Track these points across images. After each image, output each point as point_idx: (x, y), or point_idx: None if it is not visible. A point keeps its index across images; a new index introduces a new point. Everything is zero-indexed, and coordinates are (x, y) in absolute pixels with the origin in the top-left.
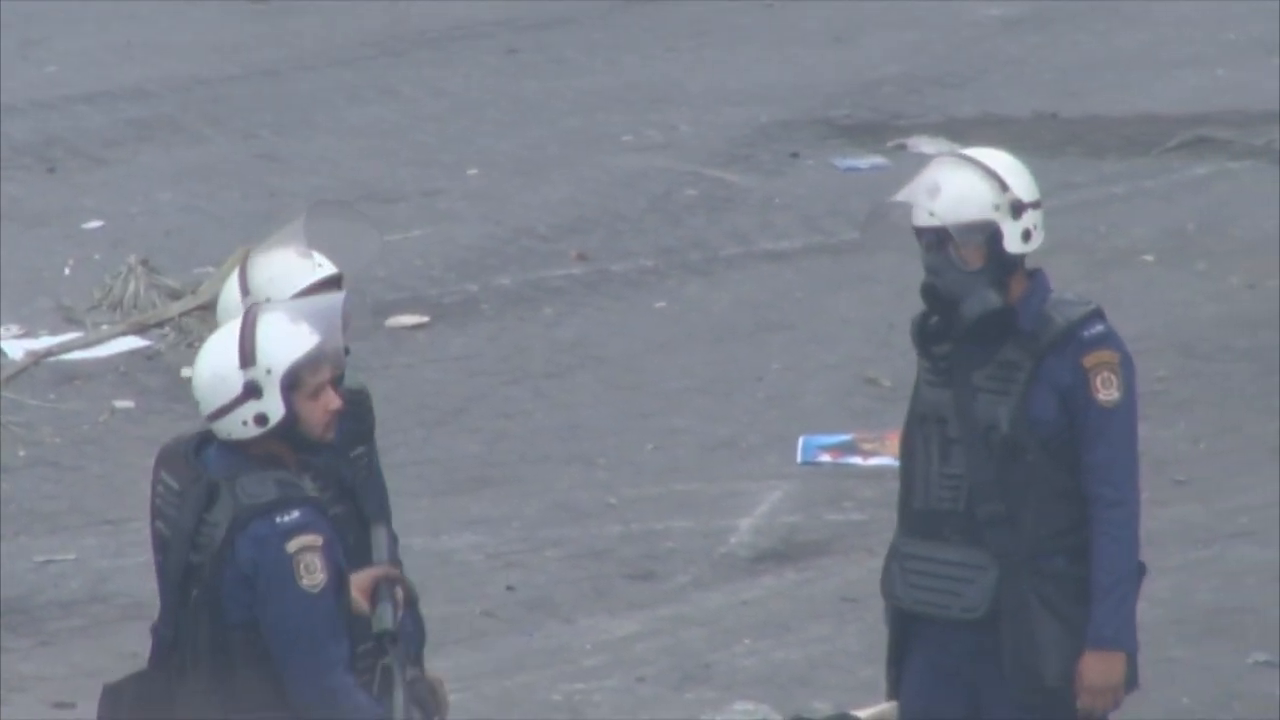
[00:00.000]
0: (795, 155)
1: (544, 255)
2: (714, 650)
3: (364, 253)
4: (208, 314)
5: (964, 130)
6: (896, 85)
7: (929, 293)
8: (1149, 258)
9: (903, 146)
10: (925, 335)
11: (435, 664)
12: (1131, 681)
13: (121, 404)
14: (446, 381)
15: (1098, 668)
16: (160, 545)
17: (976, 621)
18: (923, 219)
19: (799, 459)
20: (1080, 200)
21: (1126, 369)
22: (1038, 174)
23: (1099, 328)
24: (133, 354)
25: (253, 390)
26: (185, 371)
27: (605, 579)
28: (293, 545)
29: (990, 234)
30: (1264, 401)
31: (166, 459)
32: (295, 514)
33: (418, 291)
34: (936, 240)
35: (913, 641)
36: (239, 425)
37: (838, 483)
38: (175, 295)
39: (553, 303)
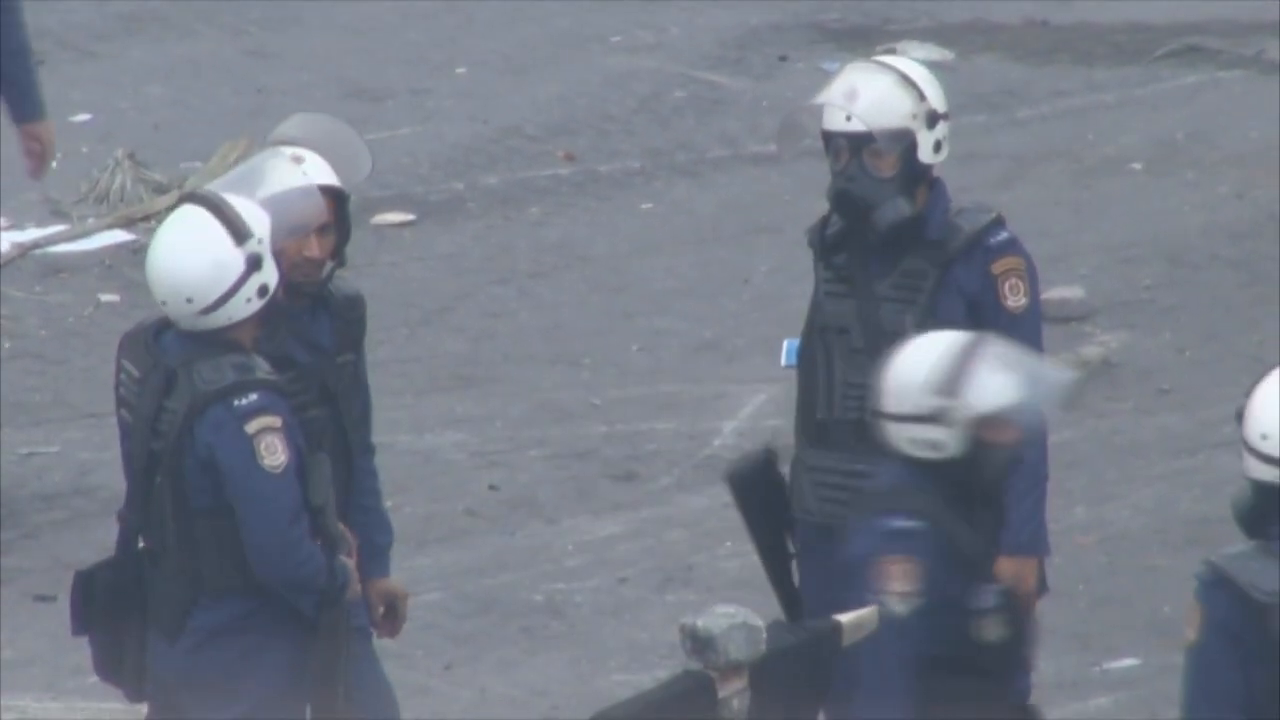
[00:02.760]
0: (784, 58)
1: (531, 155)
2: (696, 552)
3: (357, 166)
4: None
5: (954, 36)
6: None
7: (843, 199)
8: (1137, 166)
9: (892, 51)
10: (826, 244)
11: (417, 562)
12: (1042, 586)
13: (107, 298)
14: (432, 280)
15: (1014, 572)
16: (125, 433)
17: None
18: (838, 122)
19: (784, 362)
20: (1069, 108)
21: (1032, 274)
22: (1027, 81)
23: (1004, 234)
24: (119, 248)
25: (255, 263)
26: None
27: (588, 480)
28: (252, 427)
29: (907, 143)
30: (1249, 311)
31: (128, 346)
32: (253, 396)
33: (404, 189)
34: (850, 145)
35: (814, 554)
36: (243, 304)
37: None
38: (162, 190)
39: (539, 202)
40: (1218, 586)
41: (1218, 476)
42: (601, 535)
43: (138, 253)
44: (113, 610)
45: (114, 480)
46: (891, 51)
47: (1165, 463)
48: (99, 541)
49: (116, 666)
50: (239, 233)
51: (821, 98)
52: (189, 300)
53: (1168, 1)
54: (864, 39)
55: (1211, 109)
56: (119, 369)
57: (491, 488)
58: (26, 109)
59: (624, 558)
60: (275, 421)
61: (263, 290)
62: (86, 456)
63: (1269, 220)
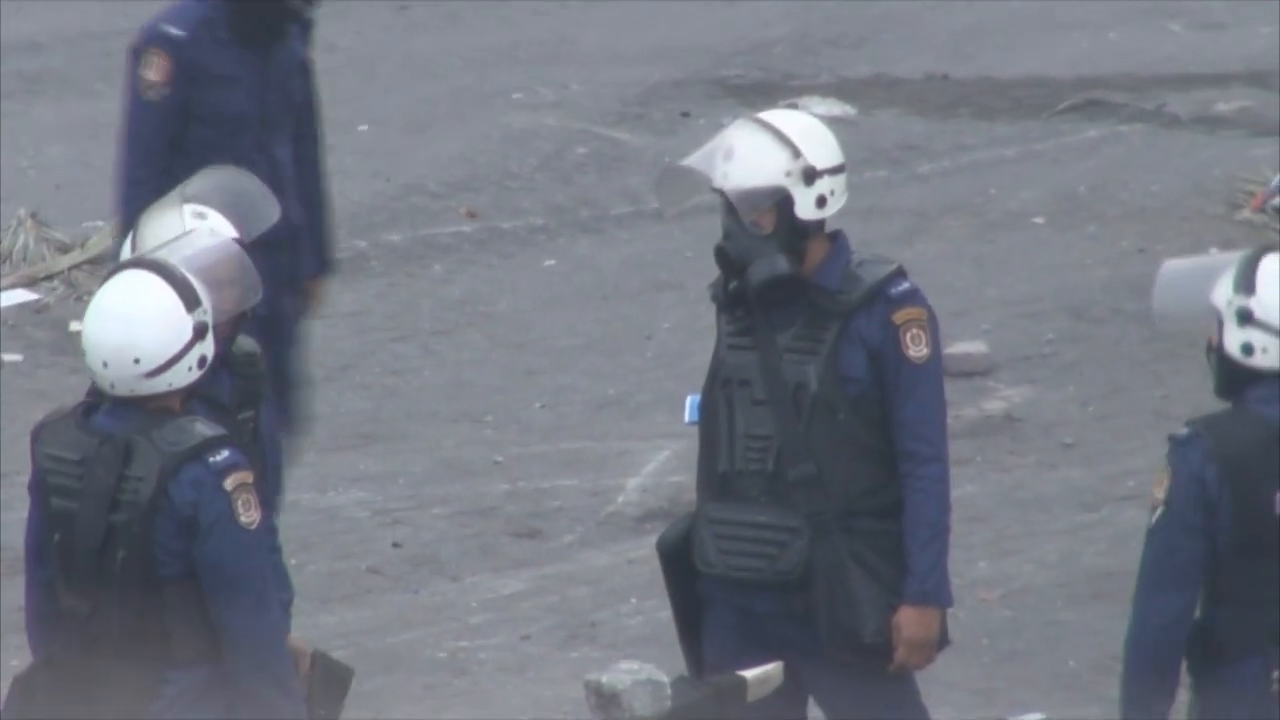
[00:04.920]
0: (686, 114)
1: (434, 212)
2: (600, 609)
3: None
4: (97, 268)
5: (855, 91)
6: (788, 45)
7: (719, 256)
8: (1039, 220)
9: (794, 106)
10: (728, 297)
11: (320, 620)
12: (944, 638)
13: (9, 357)
14: (335, 337)
15: (917, 622)
16: (59, 521)
17: (789, 583)
18: (718, 180)
19: (687, 418)
20: (971, 162)
21: (933, 325)
22: (929, 136)
23: (905, 285)
24: (21, 307)
25: (201, 332)
26: (74, 325)
27: (491, 537)
28: (229, 483)
29: (781, 200)
30: (1152, 365)
31: (51, 434)
32: (225, 453)
33: None
34: (728, 203)
35: (715, 607)
36: (185, 372)
37: None
38: (65, 249)
39: (442, 260)
40: (1190, 444)
41: (1122, 530)
42: (505, 593)
43: (40, 312)
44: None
45: (15, 540)
46: (794, 106)
47: (1069, 517)
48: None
49: None
50: (189, 299)
51: (702, 155)
52: (136, 361)
53: (1069, 55)
54: (765, 95)
55: (1113, 162)
56: (41, 460)
57: (395, 545)
58: (315, 263)
59: (527, 615)
60: (248, 477)
61: (202, 361)
62: None
63: None
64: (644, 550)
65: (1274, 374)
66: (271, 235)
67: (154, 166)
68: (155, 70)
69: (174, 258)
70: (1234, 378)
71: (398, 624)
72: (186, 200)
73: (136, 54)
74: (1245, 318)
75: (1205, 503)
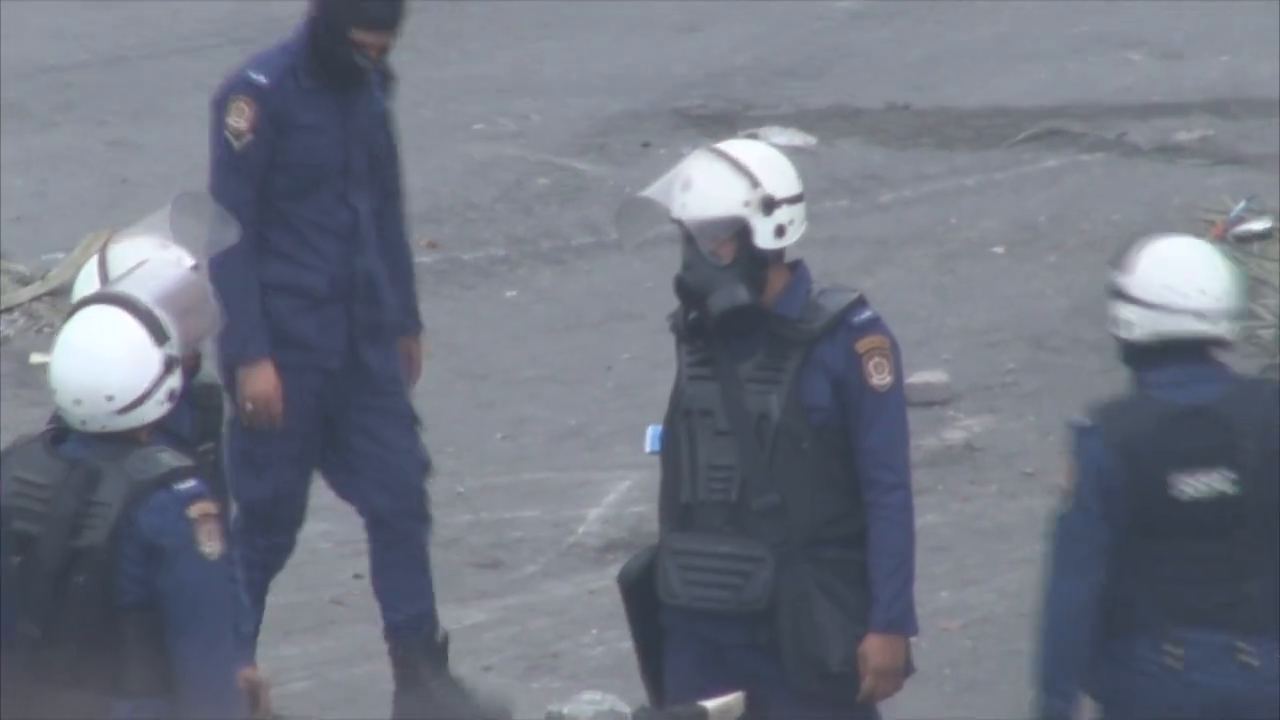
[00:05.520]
0: (647, 145)
1: None
2: (561, 640)
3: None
4: (57, 300)
5: (816, 121)
6: (748, 76)
7: (679, 286)
8: (1000, 250)
9: (755, 136)
10: (687, 328)
11: (283, 651)
12: (908, 666)
13: None
14: None
15: (883, 650)
16: (20, 545)
17: (754, 613)
18: (676, 211)
19: (647, 448)
20: (932, 192)
21: (895, 354)
22: (889, 166)
23: (867, 313)
24: None
25: (170, 366)
26: (35, 358)
27: (453, 568)
28: (193, 512)
29: (740, 230)
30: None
31: (18, 458)
32: (191, 483)
33: None
34: (687, 233)
35: (677, 638)
36: (155, 406)
37: None
38: (24, 281)
39: None
40: (1091, 434)
41: None
42: (467, 623)
43: (1, 345)
44: None
45: None
46: (754, 136)
47: (1029, 546)
48: None
49: None
50: (157, 334)
51: (660, 186)
52: (109, 398)
53: (1029, 85)
54: (726, 124)
55: (1073, 192)
56: (7, 482)
57: (357, 576)
58: (408, 322)
59: (490, 645)
60: (213, 509)
61: (171, 395)
62: None
63: None
64: (605, 581)
65: (1170, 358)
66: (347, 285)
67: (241, 218)
68: (242, 118)
69: (136, 289)
70: (1129, 358)
71: (360, 655)
72: (156, 231)
73: (221, 104)
74: (1120, 294)
75: (1106, 490)
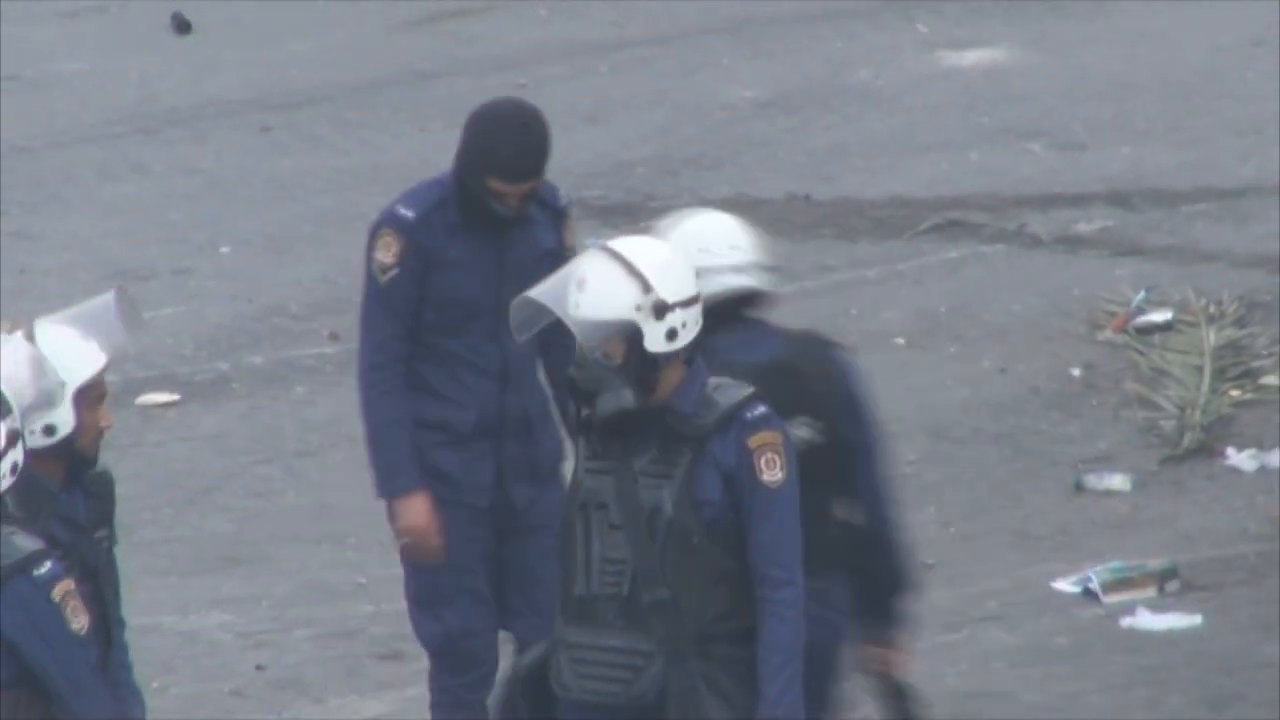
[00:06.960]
0: None
1: (296, 334)
2: None
3: (131, 338)
4: None
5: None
6: (649, 166)
7: (569, 385)
8: (900, 341)
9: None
10: (579, 425)
11: None
12: None
13: None
14: (197, 460)
15: None
16: None
17: (644, 706)
18: (570, 310)
19: None
20: (833, 283)
21: (788, 449)
22: (790, 256)
23: (760, 409)
24: None
25: (12, 439)
26: None
27: (355, 659)
28: (57, 594)
29: (630, 333)
30: (1013, 486)
31: None
32: (48, 565)
33: (168, 369)
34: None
35: None
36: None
37: None
38: None
39: (305, 381)
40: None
41: (984, 650)
42: (368, 715)
43: None
44: None
45: None
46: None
47: (931, 637)
48: None
49: None
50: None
51: (554, 283)
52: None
53: (929, 176)
54: (627, 215)
55: (974, 283)
56: None
57: (258, 668)
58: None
59: None
60: (71, 584)
61: (14, 468)
62: None
63: (1031, 395)
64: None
65: (727, 324)
66: (496, 422)
67: (389, 351)
68: (389, 252)
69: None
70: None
71: None
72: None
73: (372, 235)
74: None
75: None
